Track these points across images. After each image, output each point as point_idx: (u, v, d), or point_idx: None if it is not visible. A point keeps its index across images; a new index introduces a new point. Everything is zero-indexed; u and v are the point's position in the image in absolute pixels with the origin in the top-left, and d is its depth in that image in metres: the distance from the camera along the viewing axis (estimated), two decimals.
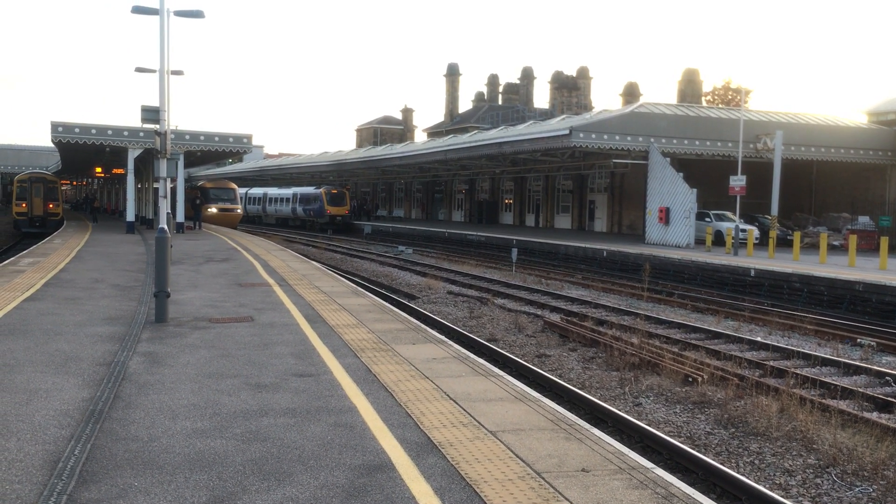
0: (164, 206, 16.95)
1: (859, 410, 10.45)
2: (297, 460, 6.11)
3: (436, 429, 6.98)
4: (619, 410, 10.38)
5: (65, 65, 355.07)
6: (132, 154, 35.66)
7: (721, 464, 8.42)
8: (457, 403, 7.87)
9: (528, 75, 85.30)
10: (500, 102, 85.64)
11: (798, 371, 12.47)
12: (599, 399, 11.05)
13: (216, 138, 37.78)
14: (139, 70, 26.47)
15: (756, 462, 8.75)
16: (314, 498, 5.38)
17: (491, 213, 62.21)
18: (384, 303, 15.54)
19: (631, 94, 73.58)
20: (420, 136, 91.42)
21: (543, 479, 5.83)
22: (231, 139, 38.25)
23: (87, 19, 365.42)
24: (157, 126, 17.56)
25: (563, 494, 5.53)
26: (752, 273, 25.26)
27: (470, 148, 46.89)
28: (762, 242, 35.79)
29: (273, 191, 70.89)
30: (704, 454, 8.79)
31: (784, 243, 35.47)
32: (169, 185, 19.21)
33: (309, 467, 5.96)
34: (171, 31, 17.95)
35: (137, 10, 19.69)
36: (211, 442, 6.50)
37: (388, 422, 7.16)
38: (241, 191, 61.14)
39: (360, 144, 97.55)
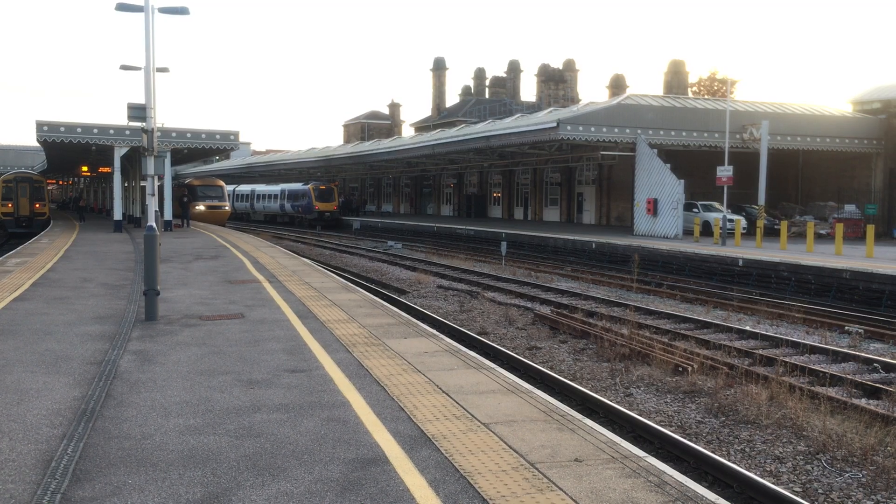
0: (152, 204, 16.91)
1: (848, 397, 10.54)
2: (291, 455, 6.12)
3: (429, 422, 7.00)
4: (611, 401, 10.43)
5: (49, 63, 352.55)
6: (118, 152, 35.49)
7: (712, 452, 8.49)
8: (449, 396, 7.90)
9: (514, 69, 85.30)
10: (487, 96, 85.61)
11: (787, 359, 12.56)
12: (591, 390, 11.11)
13: (203, 135, 37.62)
14: (124, 68, 26.33)
15: (747, 450, 8.82)
16: (309, 492, 5.39)
17: (479, 207, 62.24)
18: (375, 298, 15.54)
19: (617, 86, 73.73)
20: (407, 131, 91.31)
21: (537, 469, 5.86)
22: (218, 136, 38.10)
23: (71, 17, 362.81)
24: (144, 123, 17.49)
25: (556, 484, 5.57)
26: (741, 263, 25.39)
27: (458, 142, 46.89)
28: (749, 232, 35.99)
29: (261, 187, 70.71)
30: (696, 443, 8.85)
31: (771, 233, 35.68)
32: (156, 183, 19.11)
33: (303, 462, 5.97)
34: (156, 28, 17.87)
35: (122, 7, 19.58)
36: (204, 438, 6.50)
37: (382, 415, 7.17)
38: (228, 188, 61.01)
39: (347, 140, 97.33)
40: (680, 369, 11.91)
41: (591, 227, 45.23)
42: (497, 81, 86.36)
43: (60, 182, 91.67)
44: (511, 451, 6.25)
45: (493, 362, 10.58)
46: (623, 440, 6.75)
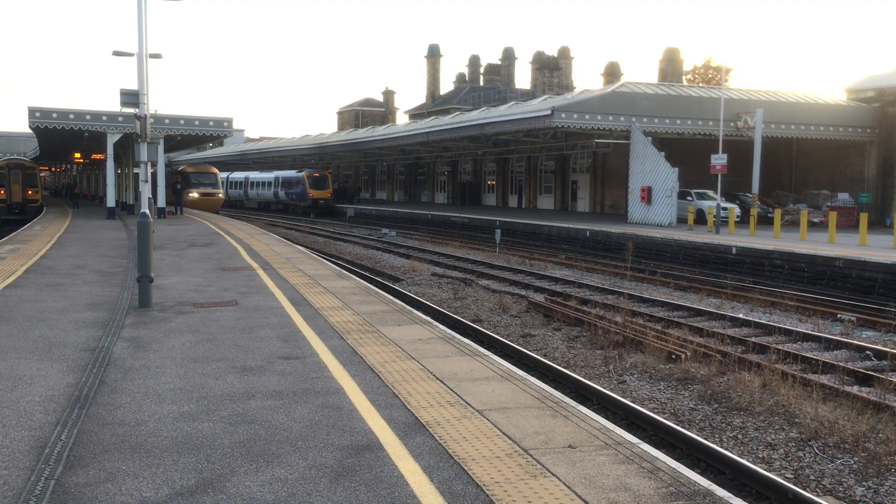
0: (146, 191, 16.83)
1: (840, 384, 10.58)
2: (286, 441, 6.13)
3: (423, 408, 7.02)
4: (604, 388, 10.46)
5: (49, 64, 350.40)
6: (111, 139, 35.34)
7: (705, 439, 8.52)
8: (443, 383, 7.91)
9: (509, 56, 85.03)
10: (481, 83, 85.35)
11: (780, 347, 12.60)
12: (584, 377, 11.13)
13: (196, 122, 37.46)
14: (117, 54, 26.12)
15: (739, 437, 8.86)
16: (303, 478, 5.40)
17: (474, 195, 62.18)
18: (369, 285, 15.53)
19: (612, 73, 73.57)
20: (402, 119, 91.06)
21: (531, 455, 5.88)
22: (211, 123, 37.94)
23: (69, 15, 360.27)
24: (137, 110, 17.37)
25: (550, 470, 5.59)
26: (734, 251, 25.44)
27: (452, 129, 46.78)
28: (743, 220, 36.05)
29: (255, 175, 70.42)
30: (688, 430, 8.88)
31: (765, 221, 35.74)
32: (150, 170, 19.03)
33: (297, 448, 5.98)
34: (149, 14, 17.73)
35: None
36: (198, 425, 6.50)
37: (376, 402, 7.18)
38: (222, 175, 60.69)
39: (341, 127, 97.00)
40: (673, 357, 11.95)
41: (585, 215, 45.24)
42: (491, 69, 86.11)
43: (53, 169, 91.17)
44: (505, 438, 6.27)
45: (487, 349, 10.59)
46: (616, 427, 6.78)
